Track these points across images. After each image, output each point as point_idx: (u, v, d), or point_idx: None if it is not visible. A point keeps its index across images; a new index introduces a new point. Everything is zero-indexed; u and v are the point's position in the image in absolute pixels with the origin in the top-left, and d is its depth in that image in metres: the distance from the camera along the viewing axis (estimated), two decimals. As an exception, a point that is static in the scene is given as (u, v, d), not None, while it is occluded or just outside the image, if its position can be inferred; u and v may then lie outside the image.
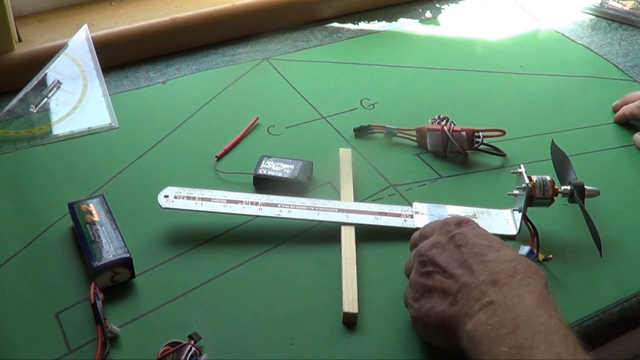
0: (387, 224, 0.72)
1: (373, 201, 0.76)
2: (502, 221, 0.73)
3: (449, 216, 0.61)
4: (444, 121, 0.83)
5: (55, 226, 0.72)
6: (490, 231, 0.72)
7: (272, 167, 0.77)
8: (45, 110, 0.88)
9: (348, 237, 0.70)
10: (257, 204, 0.72)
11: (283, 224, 0.72)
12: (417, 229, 0.71)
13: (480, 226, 0.59)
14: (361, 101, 0.92)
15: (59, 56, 0.91)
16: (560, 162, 0.76)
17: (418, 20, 1.11)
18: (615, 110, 0.91)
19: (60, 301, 0.64)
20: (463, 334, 0.52)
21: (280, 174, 0.77)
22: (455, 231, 0.58)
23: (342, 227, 0.71)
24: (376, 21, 1.10)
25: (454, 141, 0.81)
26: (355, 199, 0.75)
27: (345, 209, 0.72)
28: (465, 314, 0.52)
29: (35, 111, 0.87)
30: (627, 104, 0.90)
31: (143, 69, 0.97)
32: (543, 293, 0.52)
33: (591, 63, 1.02)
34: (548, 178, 0.70)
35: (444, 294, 0.55)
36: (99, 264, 0.64)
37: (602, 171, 0.81)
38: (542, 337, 0.48)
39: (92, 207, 0.70)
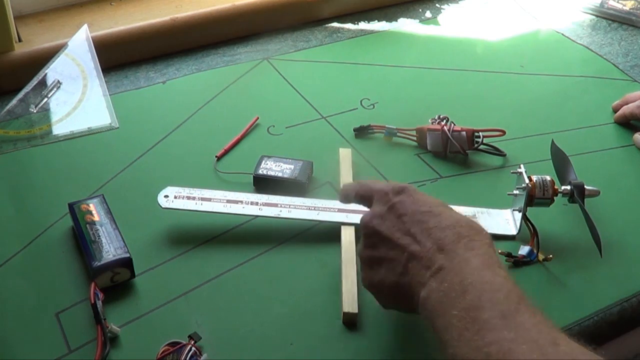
0: (387, 224, 0.72)
1: (373, 201, 0.76)
2: (502, 221, 0.73)
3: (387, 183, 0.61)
4: (444, 121, 0.83)
5: (55, 226, 0.72)
6: (490, 231, 0.72)
7: (272, 167, 0.77)
8: (45, 110, 0.88)
9: (348, 237, 0.70)
10: (257, 204, 0.72)
11: (283, 224, 0.72)
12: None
13: (418, 190, 0.59)
14: (361, 101, 0.92)
15: (59, 56, 0.91)
16: (560, 162, 0.76)
17: (418, 20, 1.11)
18: (615, 110, 0.91)
19: (60, 301, 0.64)
20: (417, 302, 0.53)
21: (280, 174, 0.77)
22: (394, 200, 0.58)
23: (342, 227, 0.71)
24: (376, 21, 1.10)
25: (454, 141, 0.81)
26: (355, 199, 0.75)
27: (345, 209, 0.72)
28: (418, 283, 0.53)
29: (35, 111, 0.87)
30: (627, 104, 0.90)
31: (143, 69, 0.97)
32: (488, 253, 0.53)
33: (591, 63, 1.02)
34: (548, 178, 0.70)
35: (392, 264, 0.56)
36: (99, 264, 0.64)
37: (602, 171, 0.81)
38: (488, 295, 0.49)
39: (92, 207, 0.70)
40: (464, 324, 0.49)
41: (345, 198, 0.66)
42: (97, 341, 0.59)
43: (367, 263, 0.59)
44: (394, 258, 0.56)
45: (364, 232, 0.59)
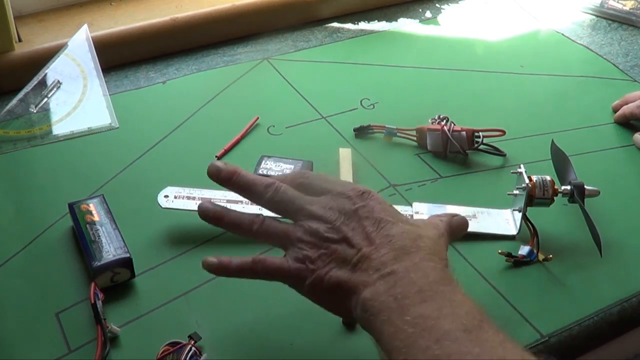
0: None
1: (373, 201, 0.76)
2: (502, 221, 0.73)
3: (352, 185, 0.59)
4: (444, 121, 0.83)
5: (55, 226, 0.72)
6: (490, 231, 0.73)
7: (272, 167, 0.77)
8: (45, 110, 0.88)
9: (348, 237, 0.70)
10: (257, 206, 0.72)
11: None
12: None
13: (380, 197, 0.58)
14: (361, 101, 0.92)
15: (59, 56, 0.91)
16: (560, 162, 0.76)
17: (418, 20, 1.11)
18: (615, 110, 0.91)
19: (60, 301, 0.64)
20: (357, 302, 0.52)
21: (280, 174, 0.77)
22: (360, 203, 0.56)
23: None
24: (376, 21, 1.10)
25: (454, 141, 0.81)
26: (355, 199, 0.75)
27: (345, 209, 0.72)
28: (362, 282, 0.52)
29: (35, 111, 0.87)
30: (627, 103, 0.90)
31: (143, 69, 0.97)
32: (445, 270, 0.53)
33: (591, 63, 1.02)
34: (548, 178, 0.70)
35: (344, 261, 0.54)
36: (99, 264, 0.64)
37: (602, 171, 0.81)
38: (449, 309, 0.48)
39: (92, 207, 0.70)
40: (419, 332, 0.47)
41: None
42: (97, 341, 0.59)
43: (317, 252, 0.55)
44: (346, 257, 0.54)
45: (324, 228, 0.56)
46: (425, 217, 0.73)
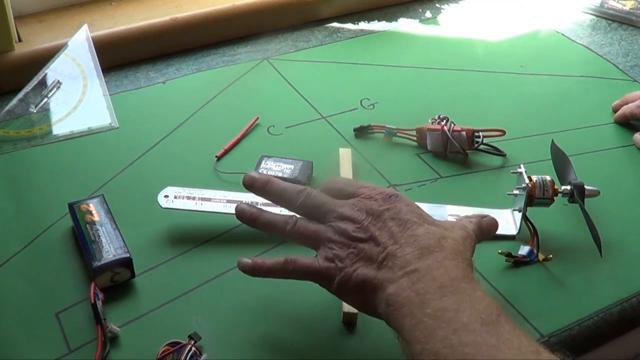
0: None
1: (373, 201, 0.76)
2: (502, 221, 0.73)
3: (387, 188, 0.61)
4: (444, 121, 0.83)
5: (55, 226, 0.72)
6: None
7: (272, 167, 0.77)
8: (45, 110, 0.88)
9: (348, 237, 0.70)
10: (257, 204, 0.72)
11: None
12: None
13: (407, 198, 0.59)
14: (361, 101, 0.92)
15: (59, 56, 0.91)
16: (560, 162, 0.76)
17: (418, 20, 1.11)
18: (615, 110, 0.91)
19: (60, 301, 0.64)
20: (382, 298, 0.53)
21: (280, 174, 0.77)
22: (387, 206, 0.58)
23: None
24: (376, 21, 1.10)
25: (454, 141, 0.81)
26: (355, 199, 0.75)
27: (345, 209, 0.72)
28: (387, 279, 0.54)
29: (35, 111, 0.87)
30: (627, 103, 0.90)
31: (143, 69, 0.97)
32: (467, 269, 0.54)
33: (591, 63, 1.02)
34: (548, 178, 0.70)
35: (370, 260, 0.56)
36: (99, 264, 0.63)
37: (602, 171, 0.81)
38: (468, 304, 0.50)
39: (92, 207, 0.70)
40: (438, 323, 0.49)
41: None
42: (97, 341, 0.59)
43: (346, 250, 0.57)
44: (373, 255, 0.56)
45: (353, 227, 0.58)
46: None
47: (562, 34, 1.09)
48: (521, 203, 0.70)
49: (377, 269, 0.55)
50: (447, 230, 0.58)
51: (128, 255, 0.65)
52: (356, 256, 0.56)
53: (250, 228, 0.71)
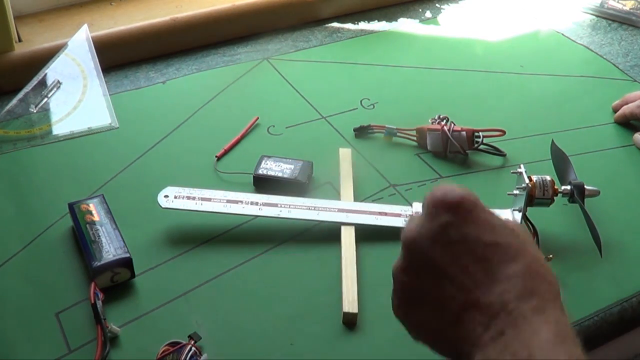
0: (387, 224, 0.72)
1: (373, 201, 0.76)
2: (502, 221, 0.73)
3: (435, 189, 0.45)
4: (444, 121, 0.83)
5: (55, 226, 0.72)
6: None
7: (272, 167, 0.77)
8: (45, 110, 0.88)
9: (348, 237, 0.70)
10: (257, 204, 0.72)
11: (283, 224, 0.72)
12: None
13: (479, 205, 0.44)
14: (361, 101, 0.92)
15: (59, 56, 0.91)
16: (560, 162, 0.76)
17: (418, 20, 1.11)
18: (615, 110, 0.91)
19: (60, 301, 0.64)
20: None
21: (280, 174, 0.77)
22: (448, 219, 0.43)
23: (342, 227, 0.71)
24: (376, 21, 1.10)
25: (454, 141, 0.81)
26: (355, 199, 0.75)
27: (345, 209, 0.72)
28: (472, 342, 0.41)
29: (35, 111, 0.87)
30: (627, 103, 0.90)
31: (143, 69, 0.97)
32: (560, 321, 0.42)
33: (591, 63, 1.02)
34: (548, 178, 0.70)
35: (442, 306, 0.43)
36: (99, 264, 0.63)
37: (602, 171, 0.81)
38: None
39: (92, 207, 0.70)
40: None
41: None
42: (97, 341, 0.59)
43: (405, 291, 0.45)
44: (444, 299, 0.43)
45: (407, 249, 0.45)
46: (425, 217, 0.72)
47: (562, 34, 1.09)
48: (521, 203, 0.70)
49: (454, 324, 0.43)
50: (526, 239, 0.44)
51: (128, 255, 0.65)
52: (421, 297, 0.45)
53: (249, 228, 0.72)
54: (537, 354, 0.39)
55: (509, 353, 0.39)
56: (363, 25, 1.09)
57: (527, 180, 0.69)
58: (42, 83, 0.89)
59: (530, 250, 0.43)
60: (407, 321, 0.46)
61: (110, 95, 0.90)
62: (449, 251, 0.43)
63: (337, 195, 0.76)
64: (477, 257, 0.42)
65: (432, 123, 0.84)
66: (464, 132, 0.82)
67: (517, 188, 0.71)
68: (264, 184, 0.76)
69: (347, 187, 0.76)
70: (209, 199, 0.72)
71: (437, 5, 1.15)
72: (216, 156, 0.81)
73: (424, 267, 0.44)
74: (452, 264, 0.42)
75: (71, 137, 0.84)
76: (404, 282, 0.45)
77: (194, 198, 0.72)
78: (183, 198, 0.72)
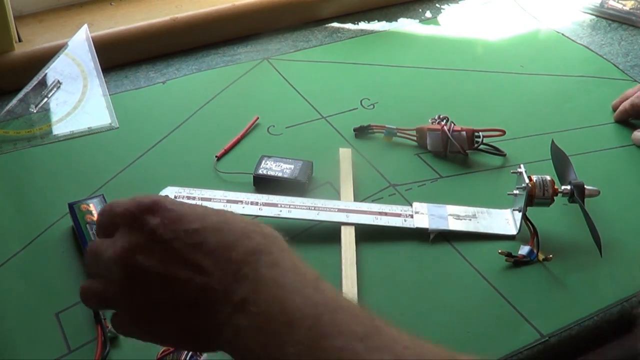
0: (387, 224, 0.72)
1: (373, 201, 0.76)
2: (502, 221, 0.73)
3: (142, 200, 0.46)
4: (444, 121, 0.83)
5: (55, 226, 0.72)
6: (490, 231, 0.73)
7: (272, 167, 0.77)
8: (45, 110, 0.88)
9: (348, 237, 0.70)
10: (257, 204, 0.72)
11: (283, 224, 0.72)
12: (417, 229, 0.72)
13: (175, 201, 0.46)
14: (361, 101, 0.92)
15: (59, 56, 0.91)
16: (560, 162, 0.76)
17: (418, 20, 1.11)
18: (614, 109, 0.91)
19: (60, 301, 0.64)
20: (225, 346, 0.42)
21: (280, 174, 0.77)
22: (151, 222, 0.44)
23: (342, 227, 0.71)
24: (376, 21, 1.10)
25: (454, 141, 0.81)
26: (355, 199, 0.75)
27: (345, 209, 0.72)
28: (217, 325, 0.41)
29: (35, 111, 0.87)
30: (627, 99, 0.90)
31: (143, 69, 0.97)
32: (295, 265, 0.43)
33: (591, 63, 1.02)
34: (548, 178, 0.70)
35: (176, 306, 0.43)
36: (99, 264, 0.63)
37: (602, 171, 0.81)
38: (326, 318, 0.39)
39: (92, 207, 0.70)
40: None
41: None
42: (97, 341, 0.59)
43: (135, 314, 0.45)
44: (176, 298, 0.42)
45: (123, 274, 0.43)
46: (425, 217, 0.73)
47: (562, 34, 1.09)
48: (521, 203, 0.70)
49: (195, 317, 0.43)
50: (235, 215, 0.46)
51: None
52: (152, 309, 0.45)
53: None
54: (289, 304, 0.39)
55: (261, 314, 0.40)
56: (363, 25, 1.09)
57: (527, 180, 0.69)
58: (42, 83, 0.89)
59: (237, 219, 0.44)
60: (150, 336, 0.46)
61: (110, 95, 0.90)
62: (165, 253, 0.43)
63: (337, 195, 0.76)
64: (191, 245, 0.43)
65: (432, 123, 0.84)
66: (464, 132, 0.82)
67: (517, 188, 0.71)
68: (264, 184, 0.76)
69: (347, 187, 0.76)
70: (209, 199, 0.72)
71: (437, 5, 1.15)
72: (216, 156, 0.81)
73: (145, 281, 0.43)
74: (171, 264, 0.42)
75: (71, 137, 0.84)
76: (132, 302, 0.44)
77: (194, 198, 0.72)
78: (183, 198, 0.72)
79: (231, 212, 0.46)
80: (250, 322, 0.40)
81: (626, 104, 0.89)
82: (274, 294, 0.40)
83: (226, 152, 0.82)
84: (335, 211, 0.72)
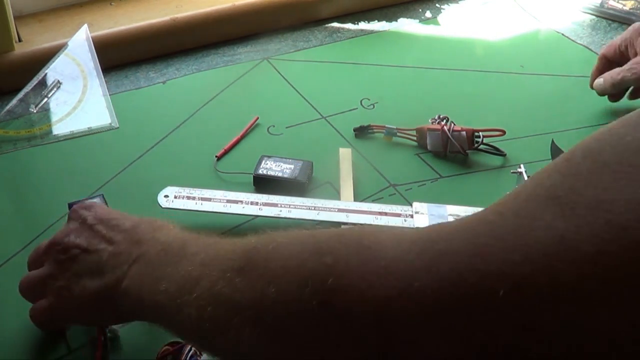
0: (387, 224, 0.71)
1: (373, 201, 0.76)
2: (502, 221, 0.73)
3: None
4: (444, 121, 0.83)
5: (55, 226, 0.72)
6: (490, 231, 0.72)
7: (272, 167, 0.77)
8: (45, 110, 0.88)
9: (348, 237, 0.70)
10: (257, 203, 0.72)
11: (283, 224, 0.72)
12: (417, 228, 0.72)
13: (104, 206, 0.62)
14: (361, 101, 0.92)
15: (59, 56, 0.91)
16: (560, 162, 0.76)
17: (418, 20, 1.11)
18: (594, 82, 0.88)
19: (60, 301, 0.64)
20: (121, 298, 0.52)
21: (280, 174, 0.77)
22: (86, 214, 0.58)
23: (342, 227, 0.71)
24: (376, 21, 1.10)
25: (454, 141, 0.81)
26: (355, 199, 0.75)
27: (345, 209, 0.72)
28: (118, 279, 0.53)
29: (35, 111, 0.87)
30: (606, 67, 0.87)
31: (143, 69, 0.97)
32: (182, 231, 0.55)
33: (591, 63, 1.02)
34: (548, 178, 0.70)
35: (91, 271, 0.54)
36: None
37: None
38: (190, 249, 0.51)
39: (92, 207, 0.70)
40: (183, 282, 0.48)
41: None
42: (97, 341, 0.59)
43: (62, 280, 0.56)
44: (92, 265, 0.55)
45: (58, 249, 0.57)
46: (425, 217, 0.73)
47: (562, 34, 1.09)
48: (521, 203, 0.70)
49: (103, 275, 0.54)
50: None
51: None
52: (75, 275, 0.56)
53: (249, 228, 0.72)
54: (165, 247, 0.52)
55: (150, 264, 0.52)
56: (363, 25, 1.09)
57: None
58: (42, 83, 0.89)
59: (147, 221, 0.57)
60: (68, 296, 0.56)
61: (110, 95, 0.90)
62: (90, 232, 0.56)
63: (337, 195, 0.76)
64: (110, 226, 0.56)
65: (432, 123, 0.84)
66: (464, 132, 0.82)
67: (517, 188, 0.71)
68: (264, 184, 0.76)
69: (347, 187, 0.76)
70: (209, 199, 0.72)
71: (437, 5, 1.15)
72: (216, 156, 0.81)
73: (74, 253, 0.56)
74: (93, 239, 0.56)
75: (71, 137, 0.84)
76: (59, 271, 0.56)
77: (194, 198, 0.72)
78: (183, 198, 0.72)
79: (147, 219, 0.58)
80: (140, 270, 0.52)
81: (613, 74, 0.86)
82: (158, 248, 0.53)
83: (226, 152, 0.82)
84: (335, 211, 0.72)
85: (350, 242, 0.42)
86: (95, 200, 0.68)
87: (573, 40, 1.07)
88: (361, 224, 0.71)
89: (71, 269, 0.56)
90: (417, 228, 0.46)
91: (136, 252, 0.53)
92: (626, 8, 1.13)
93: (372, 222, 0.71)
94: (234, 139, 0.84)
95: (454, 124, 0.82)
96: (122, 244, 0.54)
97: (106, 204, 0.70)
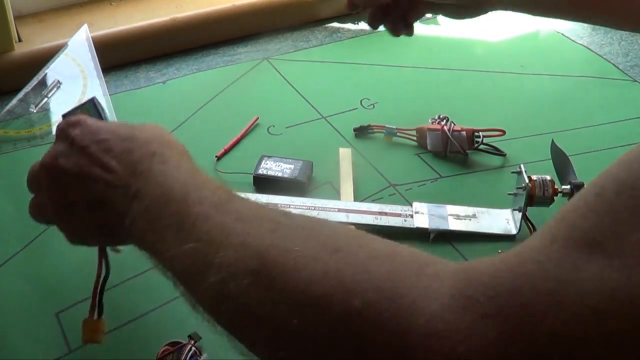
0: (387, 224, 0.72)
1: (373, 201, 0.76)
2: (502, 221, 0.73)
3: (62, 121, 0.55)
4: (444, 121, 0.83)
5: (55, 226, 0.71)
6: (490, 231, 0.73)
7: (272, 167, 0.77)
8: (45, 110, 0.88)
9: (348, 237, 0.70)
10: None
11: (283, 224, 0.72)
12: (417, 229, 0.72)
13: (95, 119, 0.55)
14: (361, 101, 0.92)
15: (59, 56, 0.91)
16: (560, 162, 0.76)
17: (418, 20, 1.11)
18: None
19: (60, 301, 0.64)
20: (125, 234, 0.50)
21: (280, 174, 0.77)
22: (73, 133, 0.52)
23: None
24: (376, 21, 1.10)
25: (454, 141, 0.81)
26: (355, 199, 0.75)
27: (345, 209, 0.72)
28: (120, 214, 0.49)
29: (35, 111, 0.87)
30: None
31: (143, 69, 0.97)
32: (183, 160, 0.53)
33: (591, 63, 1.02)
34: (548, 178, 0.70)
35: (89, 202, 0.51)
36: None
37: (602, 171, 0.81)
38: (194, 195, 0.48)
39: (92, 207, 0.69)
40: (177, 227, 0.46)
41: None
42: (97, 265, 0.56)
43: (61, 213, 0.53)
44: (88, 195, 0.51)
45: (49, 178, 0.52)
46: (425, 217, 0.73)
47: (562, 34, 1.09)
48: (521, 203, 0.70)
49: (102, 209, 0.51)
50: (146, 129, 0.54)
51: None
52: (70, 205, 0.52)
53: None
54: (169, 188, 0.48)
55: (148, 198, 0.48)
56: (363, 25, 1.09)
57: (527, 180, 0.70)
58: (42, 83, 0.89)
59: (145, 133, 0.53)
60: (69, 229, 0.54)
61: (110, 95, 0.90)
62: (81, 156, 0.51)
63: (337, 195, 0.76)
64: (102, 150, 0.51)
65: (432, 123, 0.84)
66: (464, 132, 0.82)
67: (517, 188, 0.72)
68: (264, 184, 0.76)
69: (347, 187, 0.76)
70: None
71: (437, 5, 1.15)
72: (216, 156, 0.81)
73: (66, 182, 0.52)
74: (85, 164, 0.51)
75: (71, 137, 0.84)
76: (56, 208, 0.53)
77: (194, 198, 0.72)
78: (183, 198, 0.71)
79: (141, 126, 0.54)
80: (140, 207, 0.48)
81: None
82: (159, 181, 0.49)
83: (226, 152, 0.82)
84: (335, 211, 0.72)
85: (381, 285, 0.38)
86: (86, 104, 0.60)
87: (573, 40, 1.07)
88: (363, 224, 0.71)
89: (67, 200, 0.52)
90: (444, 264, 0.43)
91: (134, 186, 0.49)
92: (626, 8, 1.12)
93: (372, 222, 0.71)
94: (234, 139, 0.84)
95: (454, 124, 0.82)
96: (117, 172, 0.50)
97: (97, 109, 0.62)
